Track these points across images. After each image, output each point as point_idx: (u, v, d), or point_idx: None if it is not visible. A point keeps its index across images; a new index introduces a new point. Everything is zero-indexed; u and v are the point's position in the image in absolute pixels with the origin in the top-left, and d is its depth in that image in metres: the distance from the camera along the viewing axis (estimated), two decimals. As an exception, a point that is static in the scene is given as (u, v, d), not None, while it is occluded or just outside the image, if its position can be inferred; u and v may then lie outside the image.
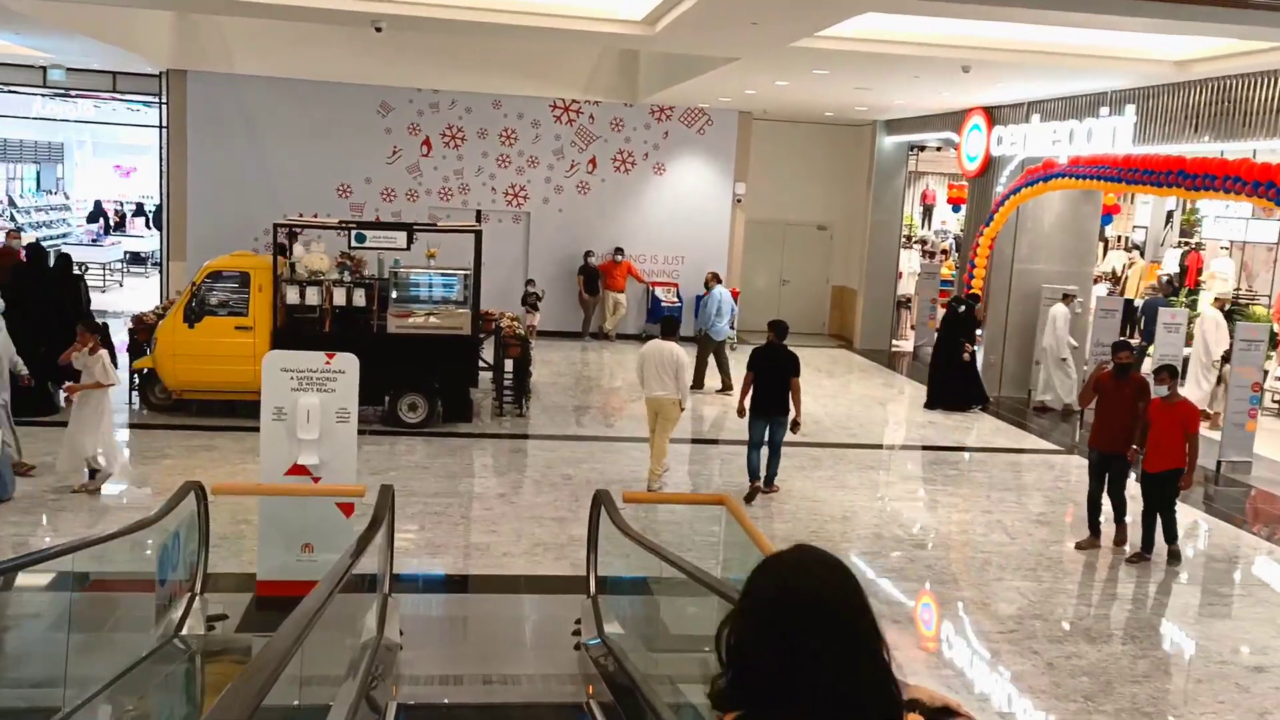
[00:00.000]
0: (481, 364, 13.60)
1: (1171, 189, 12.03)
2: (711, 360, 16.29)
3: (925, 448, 13.85)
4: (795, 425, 10.40)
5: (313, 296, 12.27)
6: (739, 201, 20.77)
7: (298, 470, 7.35)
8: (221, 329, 11.96)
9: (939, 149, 21.88)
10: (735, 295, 19.83)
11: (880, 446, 13.64)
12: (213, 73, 18.78)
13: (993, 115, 16.49)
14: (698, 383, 16.20)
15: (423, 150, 19.73)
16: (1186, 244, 24.03)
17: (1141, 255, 23.03)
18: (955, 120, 17.77)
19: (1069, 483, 12.18)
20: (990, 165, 16.67)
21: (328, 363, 7.36)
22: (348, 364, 7.40)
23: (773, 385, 10.44)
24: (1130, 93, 13.14)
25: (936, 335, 16.17)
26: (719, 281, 16.56)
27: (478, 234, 12.83)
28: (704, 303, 16.42)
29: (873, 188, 20.93)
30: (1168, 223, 26.09)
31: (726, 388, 16.08)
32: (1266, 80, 11.07)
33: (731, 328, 18.01)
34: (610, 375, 17.16)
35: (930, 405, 15.41)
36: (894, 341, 21.47)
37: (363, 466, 10.94)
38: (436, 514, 9.72)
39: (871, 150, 20.91)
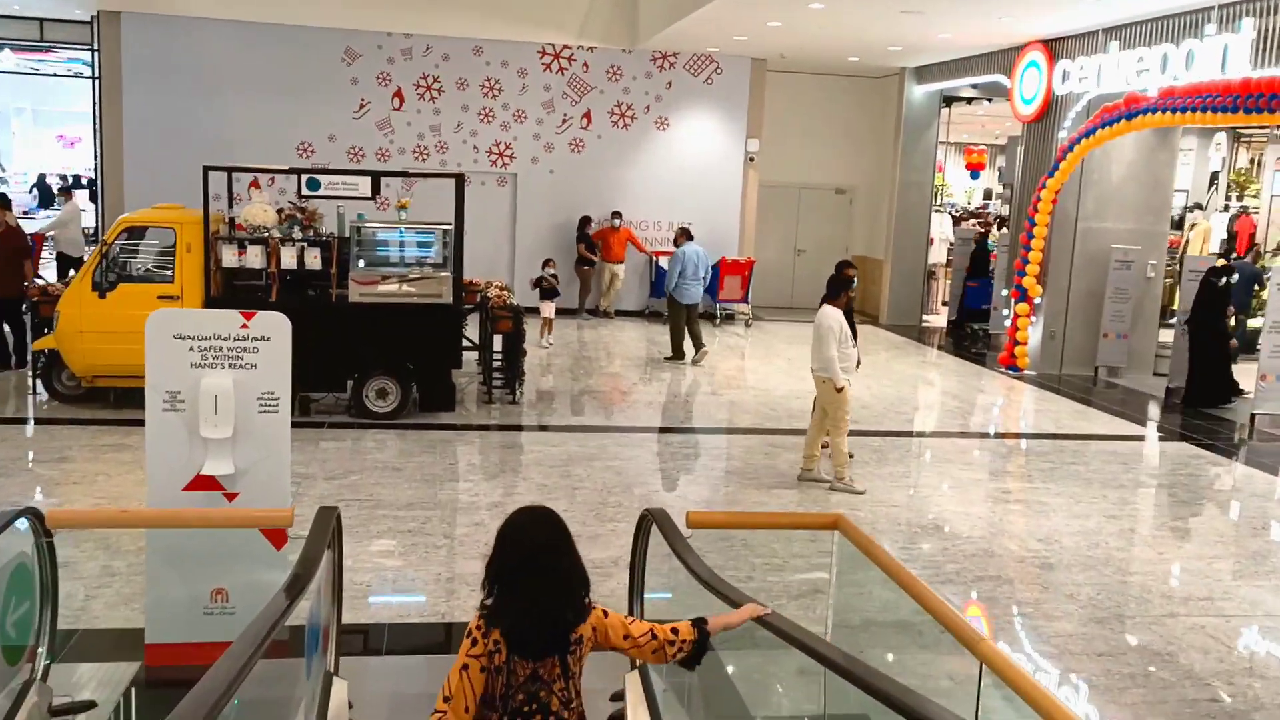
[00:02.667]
0: (466, 342, 11.30)
1: (1312, 115, 9.82)
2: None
3: (997, 435, 11.62)
4: None
5: (255, 258, 9.91)
6: (751, 161, 18.46)
7: (202, 483, 5.03)
8: (140, 299, 9.52)
9: (971, 101, 19.63)
10: (750, 265, 17.60)
11: (948, 434, 11.39)
12: (152, 15, 16.34)
13: (1054, 49, 14.23)
14: (678, 351, 14.01)
15: (394, 103, 17.32)
16: (1241, 207, 21.95)
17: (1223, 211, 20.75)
18: (1005, 60, 15.51)
19: (1191, 478, 9.98)
20: (1051, 107, 14.41)
21: (245, 326, 5.03)
22: (274, 328, 5.06)
23: None
24: (1248, 4, 10.90)
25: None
26: (690, 238, 14.28)
27: (459, 180, 10.48)
28: (672, 262, 14.10)
29: (901, 144, 18.66)
30: (1212, 184, 23.99)
31: (677, 356, 14.17)
32: None
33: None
34: (613, 355, 14.86)
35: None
36: (924, 316, 19.24)
37: (317, 470, 8.64)
38: (410, 532, 7.40)
39: (899, 102, 18.63)
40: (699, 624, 3.26)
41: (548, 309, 14.51)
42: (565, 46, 17.68)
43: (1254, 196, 23.00)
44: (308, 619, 4.33)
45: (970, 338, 17.67)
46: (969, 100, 19.47)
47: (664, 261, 17.75)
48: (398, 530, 7.42)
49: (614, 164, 18.09)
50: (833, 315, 8.55)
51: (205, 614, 5.14)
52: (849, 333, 8.69)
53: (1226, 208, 22.75)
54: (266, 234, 9.98)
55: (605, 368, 14.00)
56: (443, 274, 10.31)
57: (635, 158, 18.16)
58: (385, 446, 9.51)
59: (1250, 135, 24.92)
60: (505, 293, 11.78)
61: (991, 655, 3.27)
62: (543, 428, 10.62)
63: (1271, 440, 11.41)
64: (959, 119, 21.73)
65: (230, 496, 5.07)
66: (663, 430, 10.77)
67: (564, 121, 17.88)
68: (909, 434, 11.23)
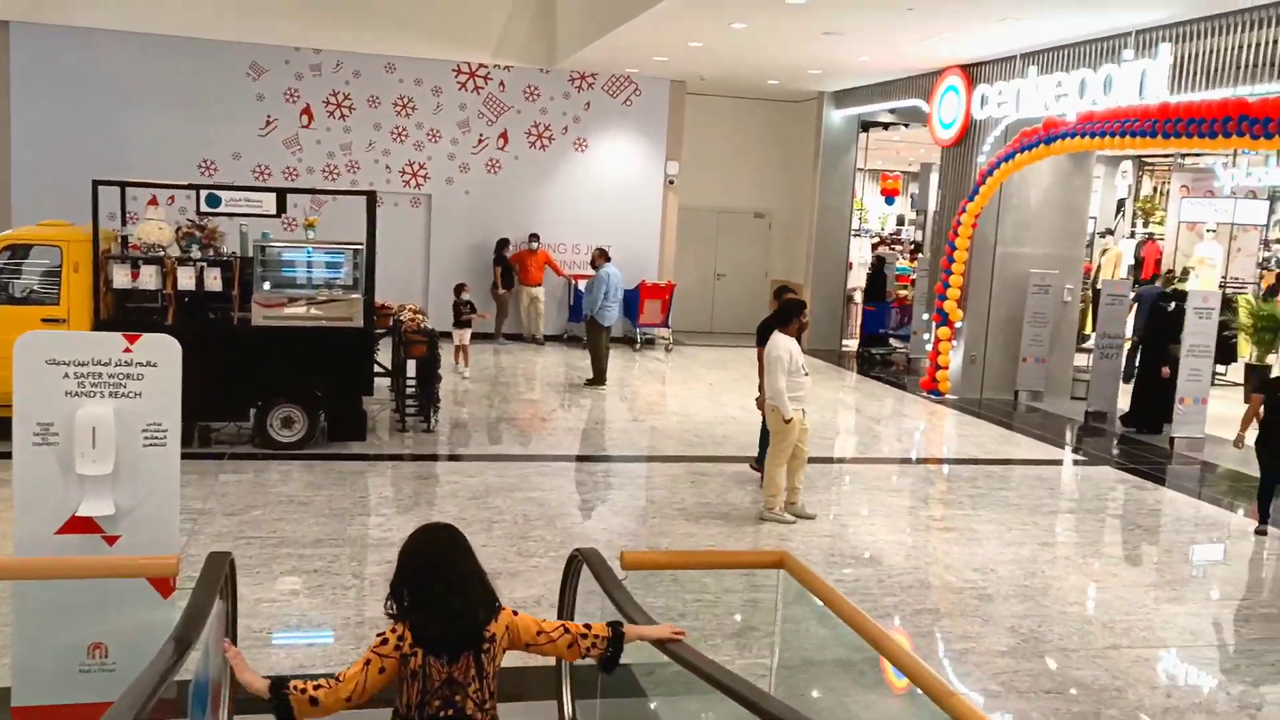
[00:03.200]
0: (378, 368, 10.78)
1: (1229, 139, 9.87)
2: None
3: (923, 460, 11.48)
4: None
5: (150, 279, 9.28)
6: (671, 183, 18.25)
7: (78, 526, 4.49)
8: (22, 321, 8.79)
9: (887, 127, 19.75)
10: (671, 289, 17.36)
11: (876, 460, 11.20)
12: (44, 25, 15.52)
13: (972, 74, 14.29)
14: (600, 376, 13.70)
15: (303, 121, 16.72)
16: (1146, 233, 22.47)
17: (1129, 238, 21.16)
18: (923, 85, 15.56)
19: (1116, 503, 9.92)
20: (970, 131, 14.46)
21: (129, 350, 4.52)
22: (162, 352, 4.56)
23: None
24: (1165, 30, 11.01)
25: (1138, 341, 13.69)
26: (608, 259, 13.99)
27: (370, 198, 9.99)
28: (592, 284, 13.81)
29: (820, 169, 18.63)
30: (1119, 211, 24.55)
31: (598, 380, 13.82)
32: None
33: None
34: (532, 381, 14.43)
35: (1133, 424, 12.79)
36: (844, 341, 19.19)
37: (215, 506, 8.05)
38: (316, 572, 6.88)
39: (818, 127, 18.62)
40: (615, 625, 3.41)
41: (462, 336, 13.97)
42: (481, 65, 17.30)
43: (1159, 223, 23.58)
44: (194, 675, 3.85)
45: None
46: (885, 126, 19.58)
47: (583, 285, 17.42)
48: (303, 570, 6.89)
49: (531, 185, 17.72)
50: (783, 344, 8.21)
51: (81, 672, 4.58)
52: (801, 362, 8.31)
53: (1133, 234, 23.28)
54: (162, 253, 9.37)
55: (524, 394, 13.56)
56: (353, 296, 9.80)
57: (553, 179, 17.81)
58: (290, 479, 8.95)
59: (1154, 164, 25.60)
60: (419, 316, 11.29)
61: (965, 713, 2.95)
62: (459, 457, 10.14)
63: (1190, 463, 11.46)
64: (875, 145, 21.85)
65: (110, 540, 4.54)
66: (585, 458, 10.38)
67: (480, 141, 17.46)
68: (836, 461, 11.00)
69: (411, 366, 10.96)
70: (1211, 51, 10.50)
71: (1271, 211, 18.21)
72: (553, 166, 17.78)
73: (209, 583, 3.72)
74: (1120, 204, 24.25)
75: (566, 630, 3.31)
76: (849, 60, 14.69)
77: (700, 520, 8.35)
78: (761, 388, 8.84)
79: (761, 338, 8.85)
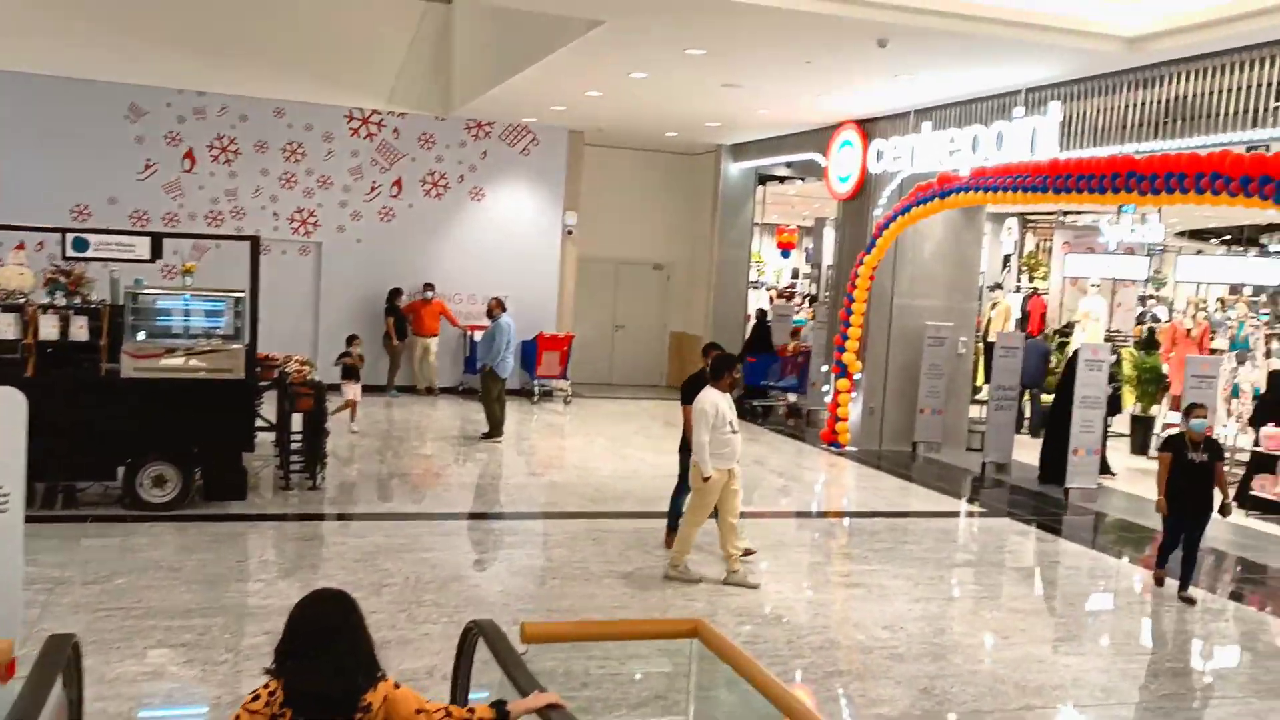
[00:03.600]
0: (261, 422, 10.20)
1: (1118, 195, 10.07)
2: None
3: (828, 514, 11.34)
4: None
5: (7, 327, 8.62)
6: (570, 234, 18.03)
7: (-101, 605, 3.95)
8: None
9: (783, 180, 19.92)
10: (569, 340, 17.07)
11: (780, 514, 11.01)
12: (-100, 60, 14.63)
13: (867, 129, 14.46)
14: (496, 430, 13.32)
15: (185, 165, 16.05)
16: (1031, 288, 23.04)
17: (1015, 292, 21.61)
18: (820, 139, 15.69)
19: (1018, 555, 9.90)
20: (866, 185, 14.60)
21: (-35, 404, 4.02)
22: (3, 407, 4.08)
23: None
24: (1054, 89, 11.25)
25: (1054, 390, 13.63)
26: (504, 310, 13.70)
27: (253, 243, 9.49)
28: (490, 334, 13.51)
29: (719, 221, 18.66)
30: (1005, 266, 25.17)
31: (495, 433, 13.36)
32: (1238, 63, 9.28)
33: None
34: (424, 435, 13.93)
35: (1048, 478, 12.66)
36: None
37: (75, 575, 7.39)
38: (187, 645, 6.31)
39: (716, 179, 18.67)
40: (499, 704, 3.23)
41: (351, 390, 13.29)
42: (374, 111, 16.90)
43: (1042, 279, 24.25)
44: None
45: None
46: (782, 179, 19.74)
47: (478, 335, 17.01)
48: (171, 643, 6.32)
49: (426, 234, 17.30)
50: (711, 398, 7.82)
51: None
52: (729, 418, 7.90)
53: (1018, 288, 23.86)
54: (22, 300, 8.71)
55: (416, 449, 13.05)
56: (234, 346, 9.26)
57: (449, 229, 17.43)
58: (162, 542, 8.31)
59: (1037, 221, 26.43)
60: (306, 368, 10.77)
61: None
62: (347, 517, 9.61)
63: (1085, 514, 11.54)
64: (772, 198, 22.02)
65: (-61, 620, 4.02)
66: (480, 516, 9.95)
67: (373, 189, 17.01)
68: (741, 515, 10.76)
69: (297, 420, 10.41)
70: (1099, 110, 10.75)
71: (1149, 267, 18.84)
72: (448, 215, 17.41)
73: (46, 670, 3.25)
74: (1006, 259, 24.89)
75: (449, 714, 3.12)
76: (747, 113, 14.73)
77: (603, 580, 8.00)
78: (685, 444, 8.49)
79: (687, 395, 8.40)
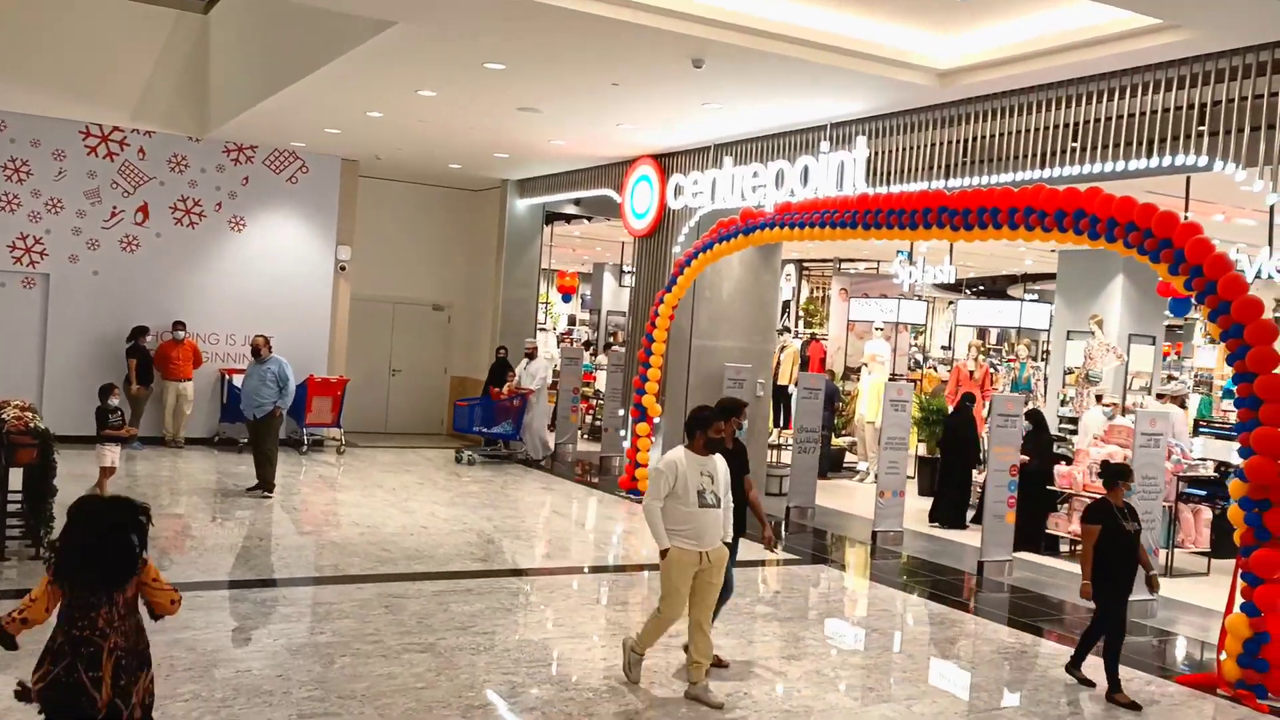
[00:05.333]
0: (-33, 479, 8.39)
1: (930, 230, 9.87)
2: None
3: (645, 566, 10.51)
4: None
5: None
6: (343, 269, 16.64)
7: None
8: None
9: (570, 220, 19.28)
10: (343, 385, 15.66)
11: (603, 570, 10.09)
12: None
13: (665, 164, 13.99)
14: (269, 484, 11.99)
15: (-122, 180, 13.66)
16: (810, 334, 23.34)
17: (795, 338, 21.71)
18: (614, 174, 15.12)
19: (837, 604, 9.39)
20: (664, 222, 14.09)
21: None
22: None
23: None
24: (860, 124, 11.07)
25: (941, 433, 13.64)
26: (270, 348, 12.38)
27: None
28: (281, 373, 12.12)
29: (504, 260, 17.74)
30: (784, 312, 25.51)
31: (268, 487, 12.03)
32: (1040, 102, 9.30)
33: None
34: (176, 492, 12.18)
35: (938, 520, 12.59)
36: (533, 440, 18.13)
37: None
38: None
39: (502, 216, 17.77)
40: None
41: (108, 455, 10.43)
42: (116, 129, 15.03)
43: (819, 325, 24.70)
44: None
45: (456, 460, 15.62)
46: (569, 219, 19.10)
47: (238, 380, 15.31)
48: None
49: (177, 267, 15.49)
50: (670, 458, 6.40)
51: None
52: (700, 486, 6.34)
53: (796, 334, 24.17)
54: None
55: (167, 507, 11.31)
56: (-68, 386, 7.50)
57: (204, 261, 15.68)
58: None
59: (810, 270, 27.04)
60: (29, 415, 9.00)
61: None
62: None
63: (894, 557, 11.26)
64: (555, 240, 21.34)
65: None
66: (247, 584, 8.51)
67: (113, 215, 15.08)
68: (552, 572, 9.79)
69: (16, 476, 8.64)
70: (905, 148, 10.61)
71: (929, 311, 19.36)
72: (203, 246, 15.67)
73: None
74: (785, 305, 25.23)
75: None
76: (540, 143, 13.95)
77: (402, 656, 6.82)
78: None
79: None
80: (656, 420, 13.75)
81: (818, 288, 28.60)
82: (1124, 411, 13.33)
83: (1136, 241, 7.93)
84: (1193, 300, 13.75)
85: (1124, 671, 7.12)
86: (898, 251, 20.86)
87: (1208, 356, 30.33)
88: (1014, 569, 10.66)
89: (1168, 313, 13.18)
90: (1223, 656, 7.32)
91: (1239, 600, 7.31)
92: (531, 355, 16.07)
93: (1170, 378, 18.62)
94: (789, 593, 9.76)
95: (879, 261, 23.90)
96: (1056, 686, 7.24)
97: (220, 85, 14.64)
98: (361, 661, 6.69)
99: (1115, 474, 7.27)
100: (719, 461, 6.49)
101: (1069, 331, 17.80)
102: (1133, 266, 17.64)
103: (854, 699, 6.80)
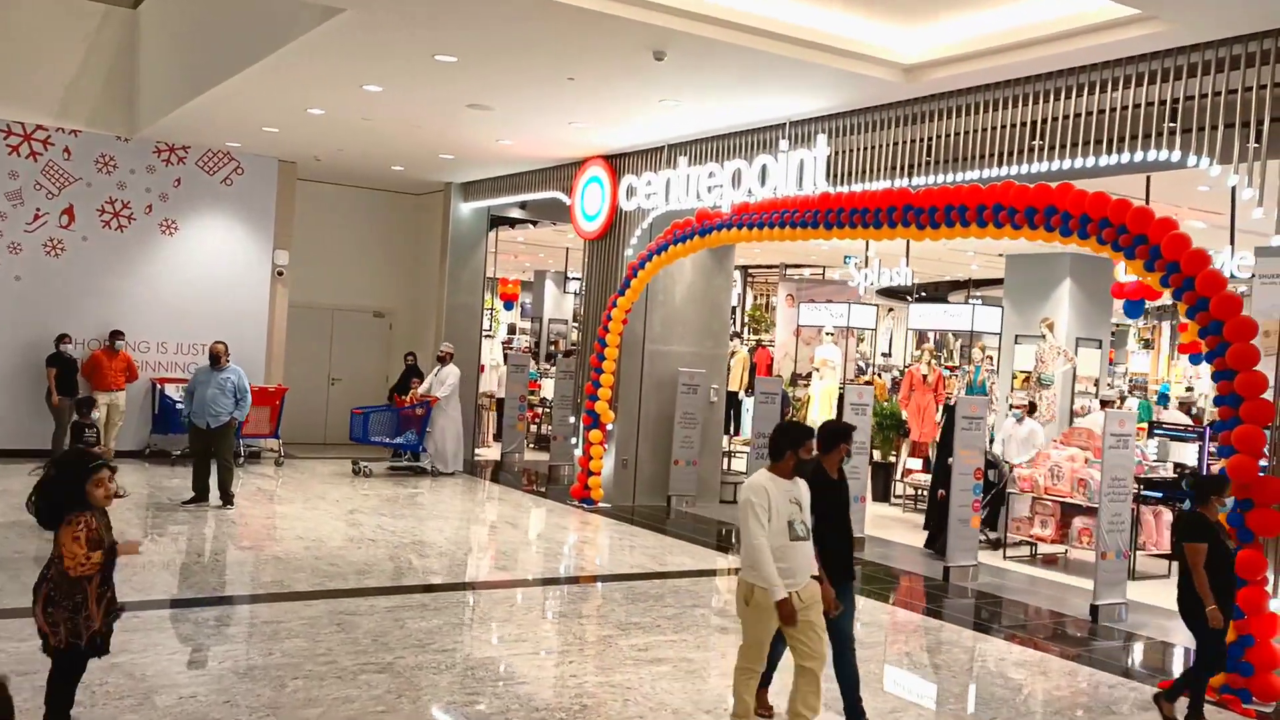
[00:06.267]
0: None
1: (895, 229, 9.67)
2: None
3: (603, 578, 10.15)
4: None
5: None
6: (280, 274, 16.05)
7: None
8: None
9: (514, 224, 18.88)
10: (281, 394, 15.09)
11: (555, 581, 9.70)
12: None
13: (616, 165, 13.68)
14: (204, 494, 11.68)
15: None
16: (757, 340, 23.19)
17: (743, 344, 21.50)
18: (562, 176, 14.77)
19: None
20: (616, 224, 13.77)
21: None
22: None
23: None
24: (820, 122, 10.85)
25: (937, 447, 12.55)
26: (228, 357, 11.95)
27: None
28: (239, 384, 11.72)
29: (448, 266, 17.26)
30: (731, 316, 25.31)
31: (228, 498, 11.64)
32: (1004, 99, 9.15)
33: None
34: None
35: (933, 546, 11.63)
36: (476, 450, 17.67)
37: None
38: None
39: (445, 220, 17.30)
40: None
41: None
42: (40, 127, 14.32)
43: (766, 331, 24.57)
44: None
45: (354, 472, 14.65)
46: (513, 223, 18.69)
47: (170, 390, 14.69)
48: None
49: (105, 272, 14.79)
50: (758, 482, 5.43)
51: None
52: (796, 512, 5.41)
53: (744, 340, 24.00)
54: None
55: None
56: None
57: (134, 266, 15.00)
58: None
59: (754, 276, 26.91)
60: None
61: None
62: (3, 613, 7.38)
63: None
64: (501, 247, 20.90)
65: None
66: (188, 604, 7.98)
67: (37, 218, 14.36)
68: (507, 585, 9.39)
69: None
70: (865, 147, 10.41)
71: (878, 316, 19.28)
72: (133, 250, 14.99)
73: None
74: (732, 311, 25.06)
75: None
76: (488, 143, 13.54)
77: (359, 677, 6.39)
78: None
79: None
80: (610, 427, 13.41)
81: (761, 294, 28.51)
82: (1031, 411, 13.12)
83: (1110, 238, 7.81)
84: (1146, 304, 13.77)
85: (1109, 679, 6.94)
86: (845, 257, 20.82)
87: (1141, 361, 30.89)
88: (979, 574, 10.51)
89: (1125, 315, 13.12)
90: (1206, 660, 7.15)
91: (1221, 602, 7.15)
92: (444, 360, 15.07)
93: (1103, 384, 18.75)
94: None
95: (824, 267, 23.86)
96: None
97: (151, 82, 14.02)
98: (315, 684, 6.24)
99: (1211, 487, 6.63)
100: (804, 486, 5.57)
101: (1017, 336, 17.83)
102: (1080, 271, 17.76)
103: None
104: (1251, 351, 7.02)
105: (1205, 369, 27.60)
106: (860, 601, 9.34)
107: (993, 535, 11.91)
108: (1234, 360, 7.07)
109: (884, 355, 26.75)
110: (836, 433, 6.10)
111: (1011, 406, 13.77)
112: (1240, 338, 7.07)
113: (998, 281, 20.72)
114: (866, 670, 6.32)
